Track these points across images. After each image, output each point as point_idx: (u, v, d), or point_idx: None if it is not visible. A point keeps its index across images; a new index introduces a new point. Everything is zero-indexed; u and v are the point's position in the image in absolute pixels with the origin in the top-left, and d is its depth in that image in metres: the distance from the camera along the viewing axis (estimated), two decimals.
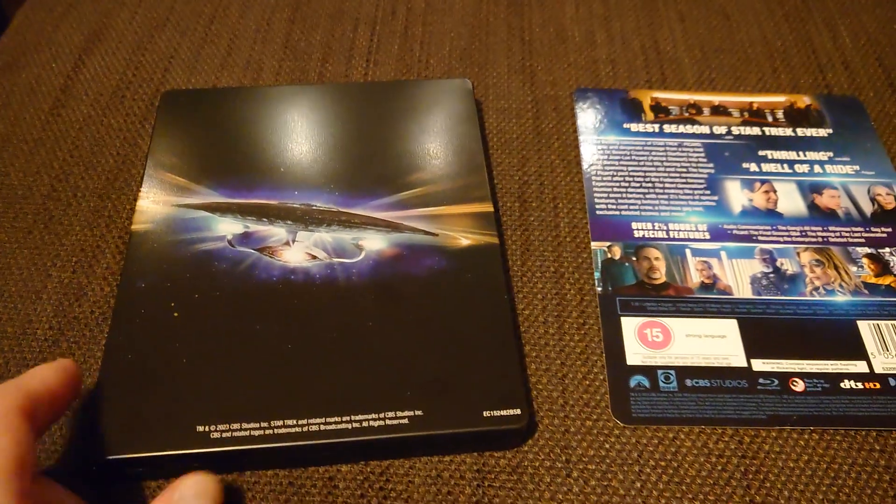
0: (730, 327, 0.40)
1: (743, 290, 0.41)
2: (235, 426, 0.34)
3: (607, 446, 0.36)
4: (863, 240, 0.43)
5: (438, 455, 0.36)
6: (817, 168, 0.47)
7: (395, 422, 0.34)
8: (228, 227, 0.41)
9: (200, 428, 0.34)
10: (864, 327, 0.40)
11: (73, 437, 0.36)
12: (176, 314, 0.38)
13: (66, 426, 0.36)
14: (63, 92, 0.52)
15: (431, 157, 0.45)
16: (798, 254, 0.43)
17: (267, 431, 0.34)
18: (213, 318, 0.37)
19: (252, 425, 0.34)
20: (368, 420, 0.34)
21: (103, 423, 0.34)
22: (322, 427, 0.34)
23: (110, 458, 0.33)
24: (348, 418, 0.34)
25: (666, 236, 0.43)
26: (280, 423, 0.34)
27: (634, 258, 0.42)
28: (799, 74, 0.53)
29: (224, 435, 0.34)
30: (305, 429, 0.34)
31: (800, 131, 0.49)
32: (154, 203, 0.42)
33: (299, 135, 0.46)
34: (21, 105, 0.51)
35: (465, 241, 0.41)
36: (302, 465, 0.35)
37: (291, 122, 0.47)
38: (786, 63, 0.54)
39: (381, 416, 0.34)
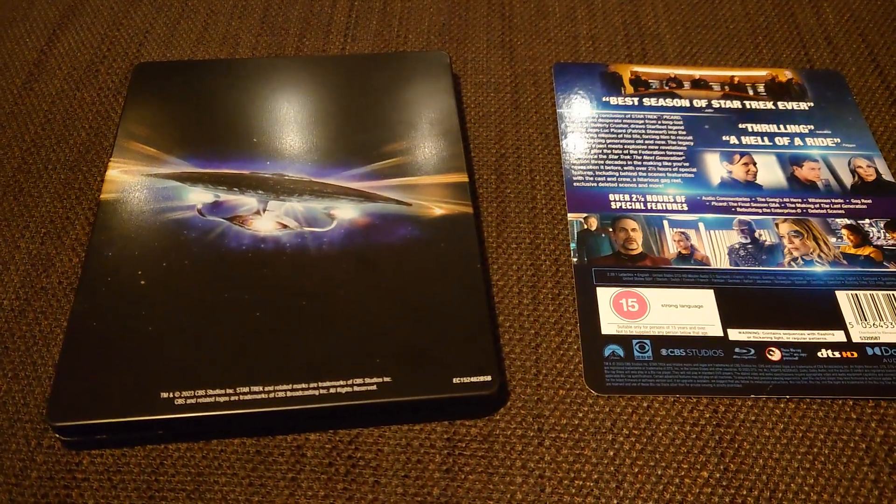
0: (706, 297, 0.39)
1: (721, 260, 0.41)
2: (200, 393, 0.33)
3: (580, 415, 0.36)
4: (842, 211, 0.43)
5: (409, 423, 0.35)
6: (798, 141, 0.47)
7: (363, 388, 0.34)
8: (199, 196, 0.41)
9: (164, 394, 0.33)
10: (843, 297, 0.39)
11: (36, 406, 0.35)
12: (143, 282, 0.37)
13: (28, 395, 0.35)
14: (36, 66, 0.51)
15: (406, 128, 0.44)
16: (777, 225, 0.42)
17: (232, 398, 0.33)
18: (181, 286, 0.37)
19: (217, 392, 0.33)
20: (336, 387, 0.34)
21: (67, 389, 0.33)
22: (289, 393, 0.33)
23: (73, 423, 0.32)
24: (315, 385, 0.34)
25: (643, 208, 0.43)
26: (246, 389, 0.33)
27: (611, 229, 0.42)
28: (781, 50, 0.53)
29: (189, 401, 0.33)
30: (272, 395, 0.33)
31: (781, 104, 0.49)
32: (124, 173, 0.42)
33: (272, 106, 0.45)
34: None
35: (438, 210, 0.40)
36: (269, 433, 0.35)
37: (265, 93, 0.46)
38: (768, 39, 0.54)
39: (350, 382, 0.34)
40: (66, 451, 0.34)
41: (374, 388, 0.34)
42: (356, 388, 0.34)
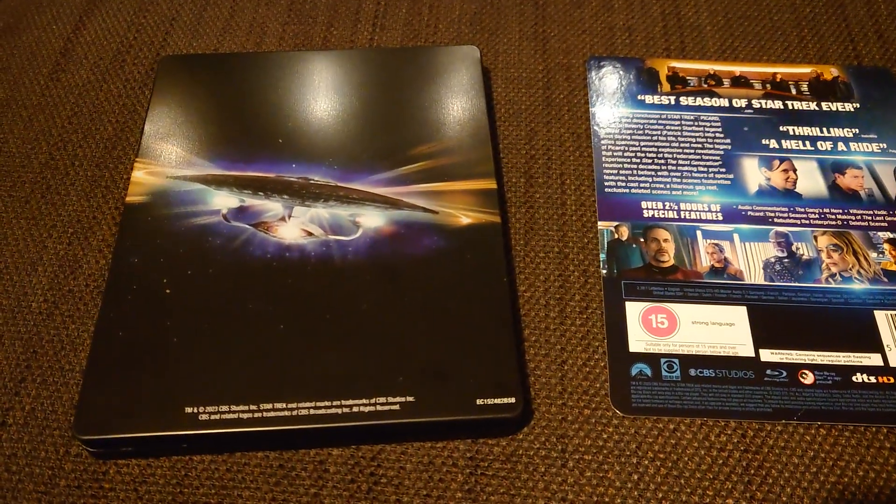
0: (739, 315, 0.38)
1: (755, 275, 0.39)
2: (224, 408, 0.33)
3: (605, 436, 0.35)
4: (885, 224, 0.41)
5: (431, 441, 0.35)
6: (841, 145, 0.45)
7: (385, 408, 0.33)
8: (224, 200, 0.40)
9: (189, 409, 0.33)
10: (882, 318, 0.38)
11: (64, 413, 0.36)
12: (168, 291, 0.37)
13: (56, 401, 0.36)
14: (63, 55, 0.51)
15: (434, 131, 0.43)
16: (815, 238, 0.41)
17: (256, 414, 0.33)
18: (206, 297, 0.37)
19: (241, 408, 0.33)
20: (359, 405, 0.33)
21: (92, 402, 0.33)
22: (312, 411, 0.33)
23: (98, 437, 0.33)
24: (338, 403, 0.34)
25: (677, 216, 0.42)
26: (269, 406, 0.33)
27: (642, 239, 0.41)
28: (828, 44, 0.50)
29: (213, 417, 0.33)
30: (295, 413, 0.33)
31: (825, 105, 0.47)
32: (149, 175, 0.41)
33: (299, 104, 0.44)
34: (20, 69, 0.50)
35: (465, 219, 0.40)
36: (292, 448, 0.35)
37: (291, 90, 0.45)
38: (814, 32, 0.51)
39: (372, 401, 0.34)
40: (94, 460, 0.34)
41: (397, 407, 0.33)
42: (379, 408, 0.33)
